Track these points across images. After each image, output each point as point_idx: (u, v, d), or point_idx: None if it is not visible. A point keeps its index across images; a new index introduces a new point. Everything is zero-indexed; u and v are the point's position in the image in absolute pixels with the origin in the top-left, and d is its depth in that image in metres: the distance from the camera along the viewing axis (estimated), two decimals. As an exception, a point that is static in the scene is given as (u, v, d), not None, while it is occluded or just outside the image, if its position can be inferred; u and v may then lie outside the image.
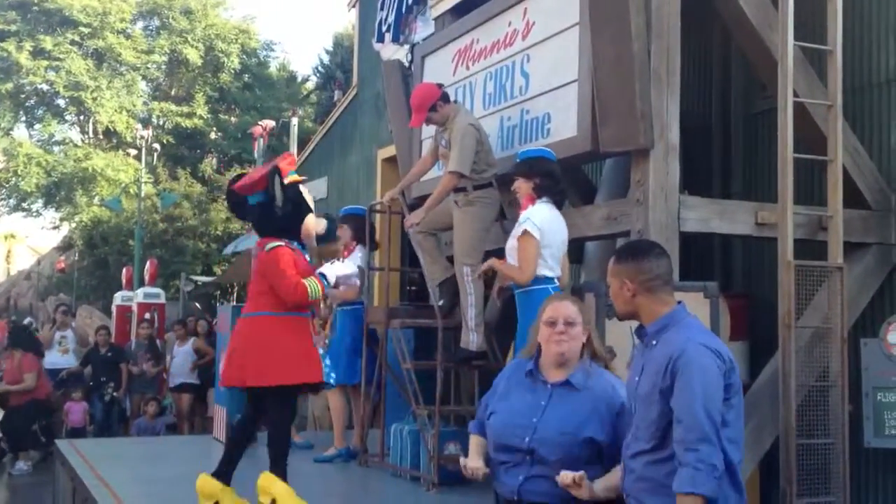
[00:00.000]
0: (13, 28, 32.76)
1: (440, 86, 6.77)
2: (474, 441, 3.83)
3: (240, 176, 5.81)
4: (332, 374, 7.45)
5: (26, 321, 14.74)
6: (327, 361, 7.44)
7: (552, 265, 5.41)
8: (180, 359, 13.33)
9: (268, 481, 5.20)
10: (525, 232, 5.34)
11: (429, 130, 7.60)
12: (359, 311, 7.50)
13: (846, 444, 5.66)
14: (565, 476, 3.38)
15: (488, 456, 3.75)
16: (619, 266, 3.38)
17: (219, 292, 28.13)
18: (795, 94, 5.83)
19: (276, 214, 5.45)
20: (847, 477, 5.63)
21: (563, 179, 5.68)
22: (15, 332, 13.09)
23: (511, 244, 5.52)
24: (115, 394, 12.96)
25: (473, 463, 3.70)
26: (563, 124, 6.27)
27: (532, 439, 3.51)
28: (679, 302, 3.37)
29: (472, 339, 6.40)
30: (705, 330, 3.39)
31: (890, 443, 6.05)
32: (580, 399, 3.57)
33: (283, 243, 5.41)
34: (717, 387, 3.10)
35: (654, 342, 3.29)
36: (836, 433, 5.65)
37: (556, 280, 5.42)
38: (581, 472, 3.39)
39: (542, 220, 5.39)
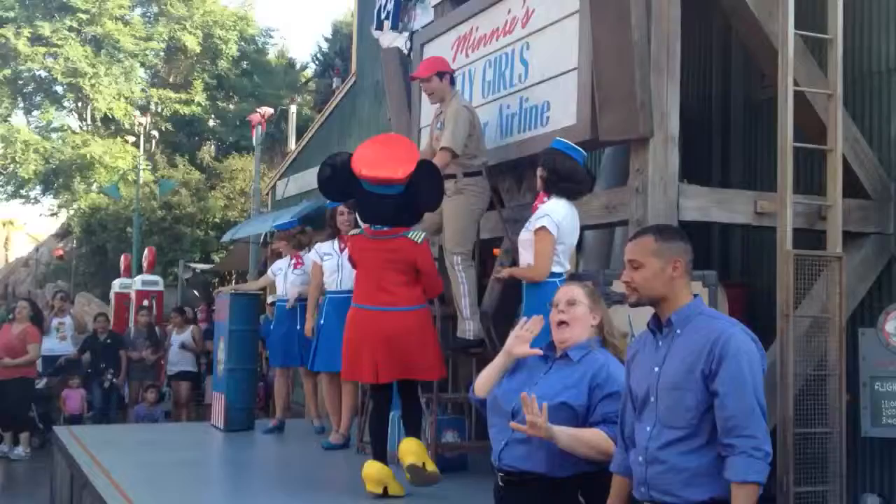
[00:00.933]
0: (11, 14, 32.68)
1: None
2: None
3: (338, 158, 5.72)
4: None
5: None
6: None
7: (563, 261, 5.35)
8: (178, 347, 13.34)
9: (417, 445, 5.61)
10: (543, 228, 5.26)
11: (427, 118, 7.60)
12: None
13: (844, 433, 5.66)
14: (524, 396, 3.41)
15: None
16: (667, 244, 3.27)
17: (217, 280, 28.14)
18: (795, 83, 5.80)
19: (418, 206, 5.66)
20: (844, 466, 5.63)
21: (585, 179, 5.55)
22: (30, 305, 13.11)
23: (525, 237, 5.43)
24: (114, 380, 12.97)
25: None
26: (563, 112, 6.25)
27: (517, 403, 3.54)
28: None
29: (467, 327, 6.40)
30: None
31: (887, 432, 6.06)
32: (572, 371, 3.63)
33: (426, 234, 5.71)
34: (760, 373, 3.09)
35: (678, 331, 3.20)
36: (834, 422, 5.64)
37: (564, 275, 5.39)
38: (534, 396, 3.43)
39: (560, 216, 5.30)
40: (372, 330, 5.57)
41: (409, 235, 5.61)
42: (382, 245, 5.61)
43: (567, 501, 3.54)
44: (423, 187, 5.61)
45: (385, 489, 5.58)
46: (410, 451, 5.55)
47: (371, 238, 5.65)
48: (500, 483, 3.65)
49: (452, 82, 6.72)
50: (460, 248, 6.36)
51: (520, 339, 3.78)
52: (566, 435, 3.44)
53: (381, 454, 5.73)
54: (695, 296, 3.32)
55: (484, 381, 3.82)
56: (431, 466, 5.58)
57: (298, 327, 8.16)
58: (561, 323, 3.69)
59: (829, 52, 6.04)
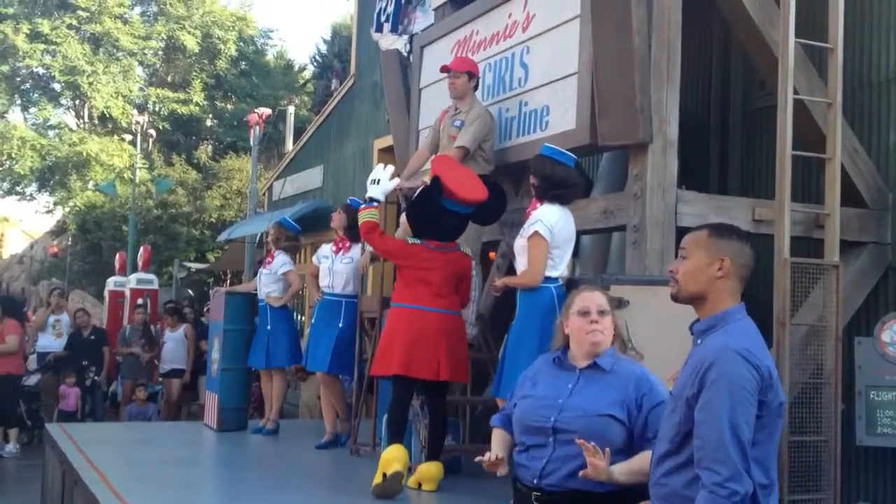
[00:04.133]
0: (10, 11, 32.61)
1: None
2: (497, 434, 3.77)
3: (431, 185, 5.90)
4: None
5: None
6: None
7: (558, 265, 5.32)
8: (172, 345, 13.27)
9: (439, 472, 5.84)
10: (536, 233, 5.24)
11: (426, 121, 7.59)
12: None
13: (838, 442, 5.65)
14: (584, 444, 3.25)
15: (510, 452, 3.70)
16: (719, 241, 3.00)
17: (212, 279, 28.13)
18: (795, 92, 5.81)
19: (476, 222, 6.13)
20: (838, 475, 5.62)
21: (576, 182, 5.50)
22: (4, 300, 13.03)
23: (520, 243, 5.41)
24: (96, 378, 12.87)
25: (493, 452, 3.62)
26: (562, 117, 6.25)
27: (557, 419, 3.46)
28: (743, 300, 3.03)
29: (468, 331, 6.40)
30: (753, 337, 2.96)
31: (882, 441, 6.06)
32: (607, 380, 3.51)
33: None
34: (749, 402, 2.79)
35: (699, 341, 3.01)
36: (829, 431, 5.63)
37: (560, 280, 5.35)
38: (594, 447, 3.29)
39: (553, 221, 5.27)
40: (433, 329, 5.79)
41: (461, 248, 6.05)
42: (443, 256, 5.91)
43: None
44: (494, 206, 6.05)
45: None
46: (433, 477, 5.80)
47: (434, 249, 5.90)
48: (536, 502, 3.51)
49: (476, 87, 6.81)
50: (475, 254, 6.42)
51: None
52: (623, 475, 3.34)
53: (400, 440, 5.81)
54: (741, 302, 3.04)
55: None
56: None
57: (269, 327, 8.20)
58: (595, 331, 3.57)
59: (830, 60, 6.04)
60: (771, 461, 2.93)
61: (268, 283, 8.28)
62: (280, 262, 8.29)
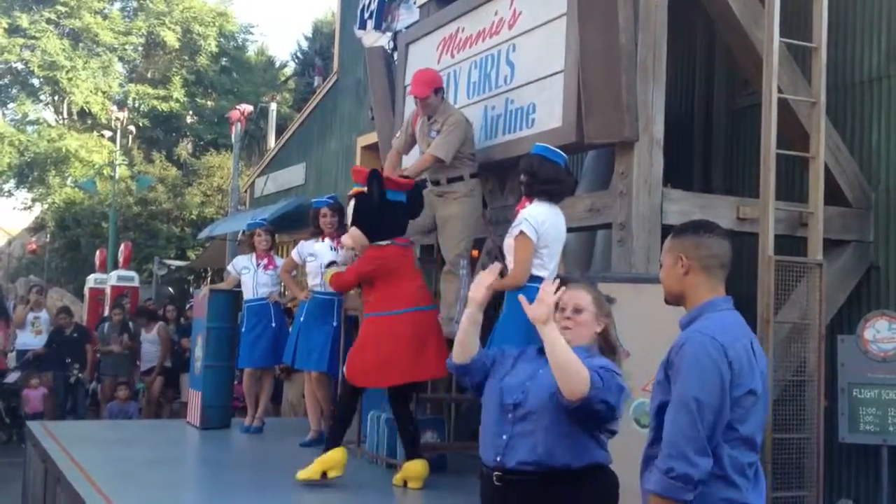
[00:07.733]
0: (-12, 5, 32.39)
1: None
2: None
3: (373, 174, 5.91)
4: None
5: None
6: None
7: (547, 264, 5.29)
8: (147, 346, 13.17)
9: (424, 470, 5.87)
10: (521, 233, 5.22)
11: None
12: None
13: (821, 439, 5.69)
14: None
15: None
16: (676, 240, 3.13)
17: (192, 277, 27.99)
18: (779, 91, 5.85)
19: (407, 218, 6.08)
20: (821, 472, 5.67)
21: (565, 179, 5.43)
22: None
23: (508, 242, 5.39)
24: (80, 375, 12.78)
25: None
26: (548, 115, 6.26)
27: (519, 396, 3.47)
28: (729, 295, 3.09)
29: (453, 329, 6.39)
30: (731, 325, 3.01)
31: (864, 439, 6.11)
32: None
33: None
34: (715, 385, 2.84)
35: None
36: (812, 428, 5.68)
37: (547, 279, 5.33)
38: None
39: (540, 220, 5.24)
40: (434, 327, 5.98)
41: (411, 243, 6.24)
42: (410, 252, 6.09)
43: (571, 495, 3.42)
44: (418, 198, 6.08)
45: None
46: (419, 475, 5.84)
47: (402, 247, 5.99)
48: (497, 483, 3.47)
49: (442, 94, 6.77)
50: (466, 251, 6.42)
51: (478, 286, 3.73)
52: (562, 344, 3.29)
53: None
54: (725, 295, 3.09)
55: (460, 343, 3.69)
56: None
57: (274, 325, 8.22)
58: (564, 328, 3.56)
59: (814, 60, 6.08)
60: (756, 438, 3.01)
61: (271, 285, 8.48)
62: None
